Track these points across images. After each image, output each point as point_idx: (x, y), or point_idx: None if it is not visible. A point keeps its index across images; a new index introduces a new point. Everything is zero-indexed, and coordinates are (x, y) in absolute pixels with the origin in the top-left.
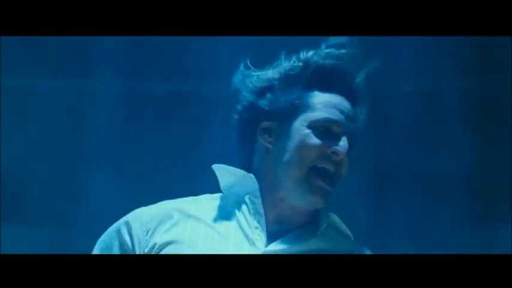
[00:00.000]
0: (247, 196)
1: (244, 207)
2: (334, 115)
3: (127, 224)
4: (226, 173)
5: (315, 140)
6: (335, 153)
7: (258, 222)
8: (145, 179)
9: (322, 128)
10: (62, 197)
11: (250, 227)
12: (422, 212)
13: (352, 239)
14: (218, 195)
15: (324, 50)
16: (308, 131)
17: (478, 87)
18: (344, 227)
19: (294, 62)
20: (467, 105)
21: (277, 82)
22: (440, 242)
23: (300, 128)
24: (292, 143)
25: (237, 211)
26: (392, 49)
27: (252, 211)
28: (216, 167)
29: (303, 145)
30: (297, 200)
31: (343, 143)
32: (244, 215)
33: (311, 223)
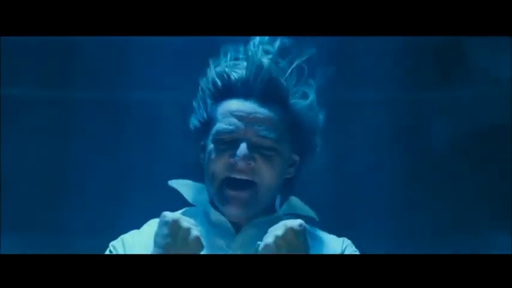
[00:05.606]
0: (203, 207)
1: (206, 216)
2: (230, 124)
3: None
4: (187, 188)
5: (217, 153)
6: (235, 161)
7: (221, 224)
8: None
9: (221, 140)
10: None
11: (216, 229)
12: (414, 214)
13: (317, 219)
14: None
15: (232, 61)
16: (212, 145)
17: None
18: (306, 210)
19: (206, 79)
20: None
21: (197, 100)
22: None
23: (208, 143)
24: (206, 159)
25: (206, 219)
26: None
27: (213, 219)
28: (175, 183)
29: (210, 160)
30: (222, 210)
31: (240, 150)
32: (209, 221)
33: (270, 210)
